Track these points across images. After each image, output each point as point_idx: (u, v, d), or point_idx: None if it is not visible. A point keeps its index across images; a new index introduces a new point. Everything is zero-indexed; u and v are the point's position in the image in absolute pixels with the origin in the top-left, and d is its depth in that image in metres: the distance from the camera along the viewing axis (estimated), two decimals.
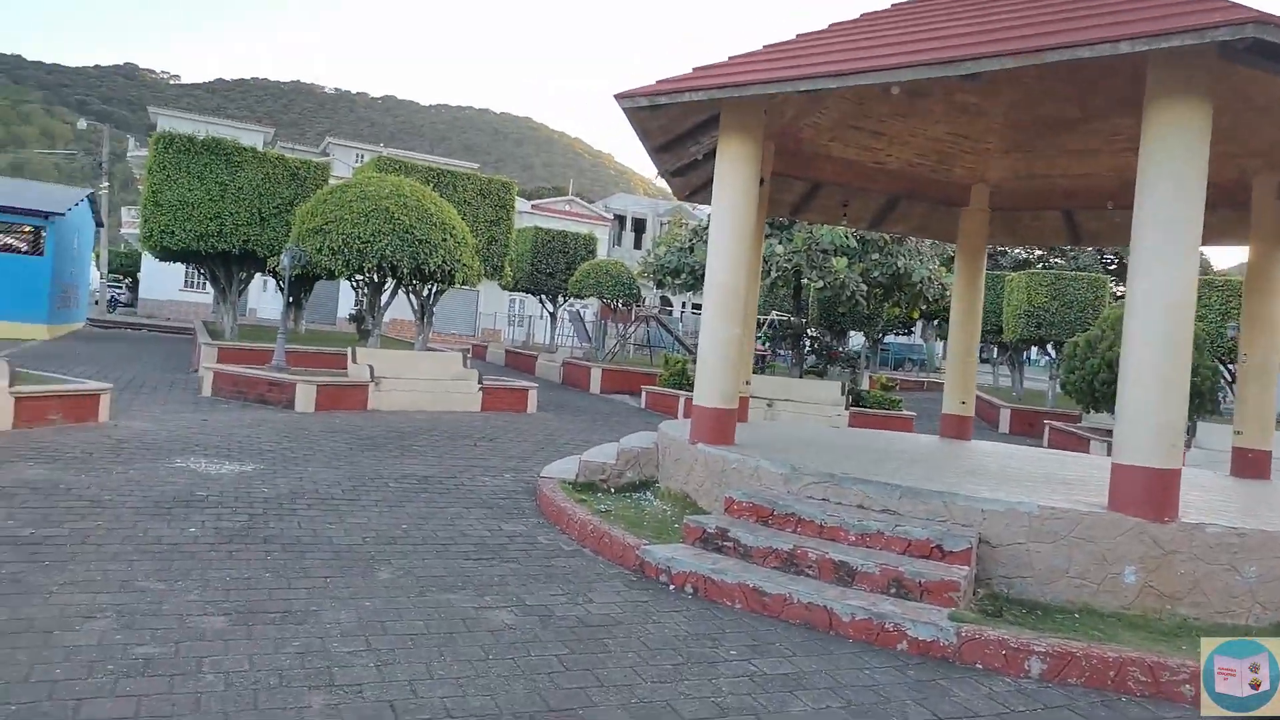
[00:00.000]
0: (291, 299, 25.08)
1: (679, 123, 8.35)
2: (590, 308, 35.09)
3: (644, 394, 19.62)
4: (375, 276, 16.76)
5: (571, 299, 30.38)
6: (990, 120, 10.38)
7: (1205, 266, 44.83)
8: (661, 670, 4.45)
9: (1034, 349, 30.06)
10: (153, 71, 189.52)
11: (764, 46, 7.99)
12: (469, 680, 4.09)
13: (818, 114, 9.99)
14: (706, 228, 21.71)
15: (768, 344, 26.57)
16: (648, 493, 8.30)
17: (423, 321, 18.86)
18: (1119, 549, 5.72)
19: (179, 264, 27.53)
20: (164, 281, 39.47)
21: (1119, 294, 31.30)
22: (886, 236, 20.61)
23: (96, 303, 37.07)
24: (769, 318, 24.98)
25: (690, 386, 18.22)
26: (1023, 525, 5.92)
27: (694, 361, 19.30)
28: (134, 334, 28.25)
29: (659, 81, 7.45)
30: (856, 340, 36.16)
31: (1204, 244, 6.83)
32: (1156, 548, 5.69)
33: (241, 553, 5.77)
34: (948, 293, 20.93)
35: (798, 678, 4.52)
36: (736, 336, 7.91)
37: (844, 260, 19.65)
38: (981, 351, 21.56)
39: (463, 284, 17.33)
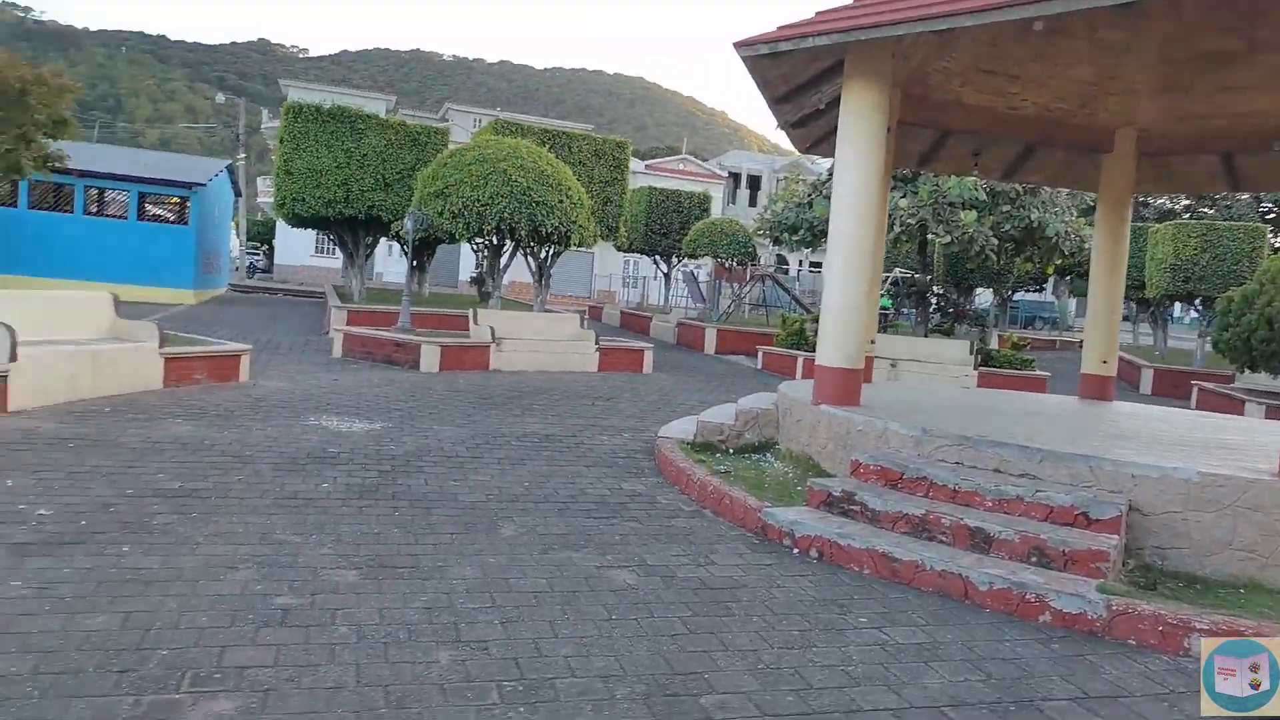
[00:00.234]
0: (415, 262, 25.83)
1: (800, 70, 8.00)
2: (704, 268, 34.80)
3: (760, 355, 19.34)
4: (494, 239, 17.00)
5: (686, 259, 30.16)
6: (1140, 57, 9.54)
7: None
8: (788, 636, 4.32)
9: (1178, 305, 28.11)
10: (283, 46, 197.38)
11: None
12: (592, 640, 4.07)
13: (948, 58, 9.41)
14: (826, 182, 21.08)
15: (891, 302, 25.76)
16: (767, 454, 8.13)
17: (540, 283, 19.06)
18: None
19: (310, 230, 28.75)
20: (297, 248, 41.35)
21: None
22: (1019, 188, 19.51)
23: (237, 269, 39.14)
24: (892, 275, 24.16)
25: (809, 347, 17.93)
26: (1179, 492, 5.47)
27: (812, 321, 18.89)
28: (270, 298, 29.69)
29: (780, 28, 7.13)
30: (984, 298, 34.70)
31: None
32: None
33: (371, 508, 5.93)
34: (1086, 246, 19.71)
35: (932, 648, 4.31)
36: (862, 293, 7.60)
37: (973, 214, 18.70)
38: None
39: (579, 245, 17.40)
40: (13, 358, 7.94)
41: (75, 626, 3.73)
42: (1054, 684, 4.00)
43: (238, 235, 41.14)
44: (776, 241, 22.79)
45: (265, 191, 49.90)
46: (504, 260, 18.23)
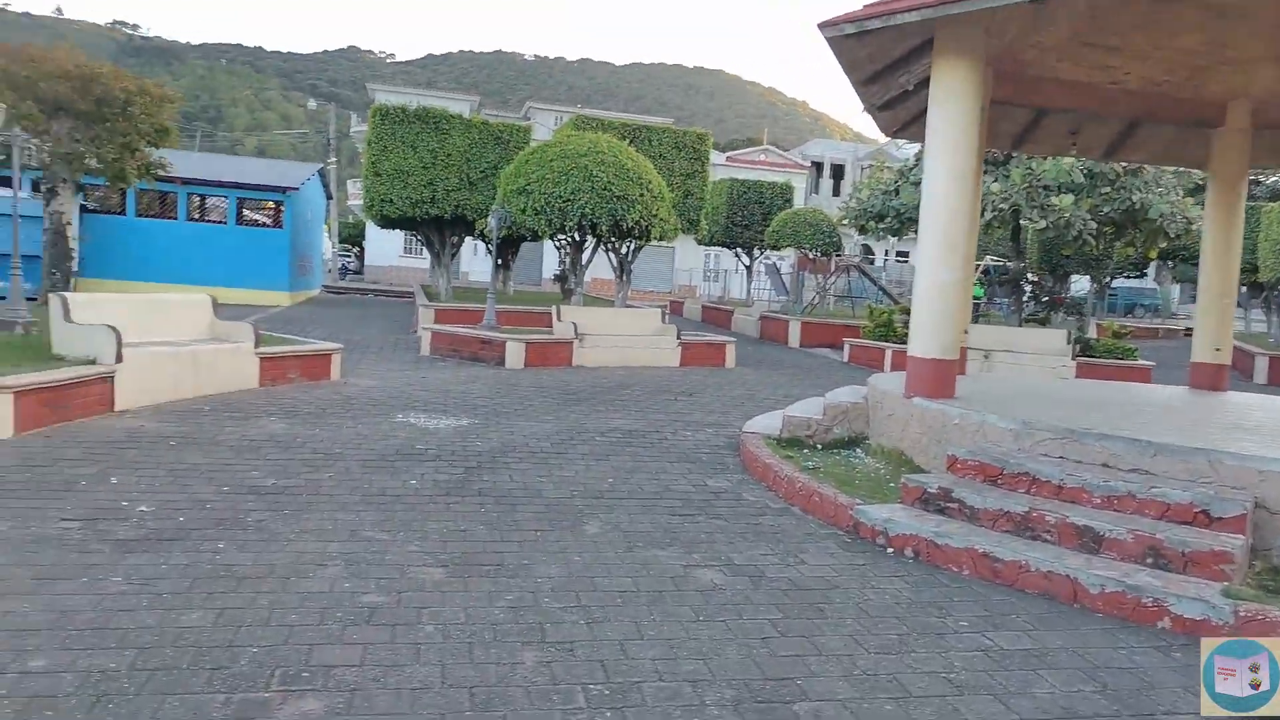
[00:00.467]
0: (500, 261, 26.15)
1: (888, 50, 7.71)
2: (787, 259, 34.30)
3: (846, 347, 18.90)
4: (576, 235, 17.03)
5: (768, 251, 29.77)
6: (1255, 23, 8.90)
7: None
8: (885, 640, 4.13)
9: None
10: (372, 52, 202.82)
11: None
12: (680, 642, 3.95)
13: (1044, 31, 8.95)
14: (913, 168, 20.49)
15: (983, 291, 24.92)
16: (857, 449, 7.88)
17: (622, 279, 19.03)
18: None
19: (398, 231, 29.41)
20: (386, 249, 42.35)
21: None
22: (1119, 167, 18.59)
23: (329, 271, 40.32)
24: (982, 263, 23.36)
25: (898, 339, 17.45)
26: None
27: (901, 312, 18.39)
28: (361, 299, 30.47)
29: (866, 5, 6.88)
30: (1080, 285, 33.32)
31: None
32: None
33: (458, 505, 5.94)
34: (1194, 227, 18.67)
35: (1041, 655, 4.06)
36: (956, 281, 7.29)
37: (1069, 197, 17.89)
38: None
39: (659, 239, 17.29)
40: (118, 359, 8.26)
41: (171, 623, 3.80)
42: (1177, 696, 3.72)
43: (330, 238, 42.37)
44: (862, 230, 22.27)
45: (356, 194, 51.25)
46: (586, 256, 18.26)
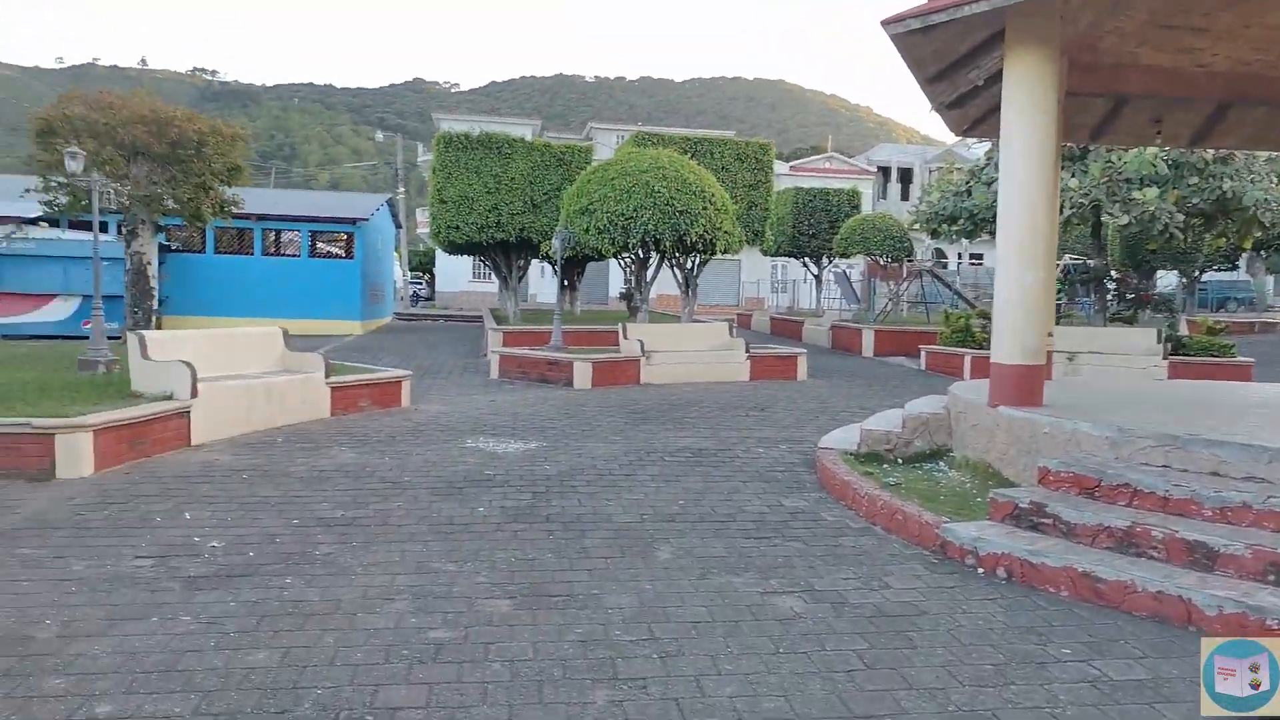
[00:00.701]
0: (565, 281, 26.23)
1: (955, 44, 7.40)
2: (856, 267, 33.67)
3: (923, 354, 18.36)
4: (640, 252, 16.93)
5: (837, 259, 29.25)
6: None
7: None
8: (980, 671, 3.83)
9: None
10: (436, 83, 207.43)
11: None
12: (759, 677, 3.73)
13: (1121, 16, 8.51)
14: (984, 167, 19.90)
15: (1062, 290, 24.02)
16: (940, 463, 7.52)
17: (687, 294, 18.86)
18: None
19: (466, 257, 29.79)
20: (455, 275, 43.04)
21: None
22: (1206, 155, 17.71)
23: (401, 298, 41.09)
24: (1062, 262, 22.51)
25: (976, 344, 16.86)
26: None
27: (978, 316, 17.78)
28: (432, 325, 30.91)
29: None
30: (1167, 280, 31.93)
31: None
32: None
33: (526, 532, 5.81)
34: None
35: (1156, 686, 3.71)
36: (1039, 281, 6.92)
37: (1153, 190, 17.09)
38: None
39: (724, 252, 17.07)
40: (193, 394, 8.40)
41: (237, 663, 3.73)
42: None
43: (400, 266, 43.21)
44: (934, 234, 21.71)
45: (424, 222, 52.26)
46: (650, 273, 18.14)
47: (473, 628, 4.19)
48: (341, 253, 25.97)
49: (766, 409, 11.58)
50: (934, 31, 6.75)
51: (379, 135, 61.94)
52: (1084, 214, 18.01)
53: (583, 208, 16.19)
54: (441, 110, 63.09)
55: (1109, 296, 21.60)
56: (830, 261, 30.66)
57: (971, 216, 19.58)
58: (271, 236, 25.41)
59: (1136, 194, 17.14)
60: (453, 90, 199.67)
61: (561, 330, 15.91)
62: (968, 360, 16.19)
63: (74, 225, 18.92)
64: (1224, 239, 21.47)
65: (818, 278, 31.53)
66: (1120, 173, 17.17)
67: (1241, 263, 39.50)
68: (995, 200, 18.28)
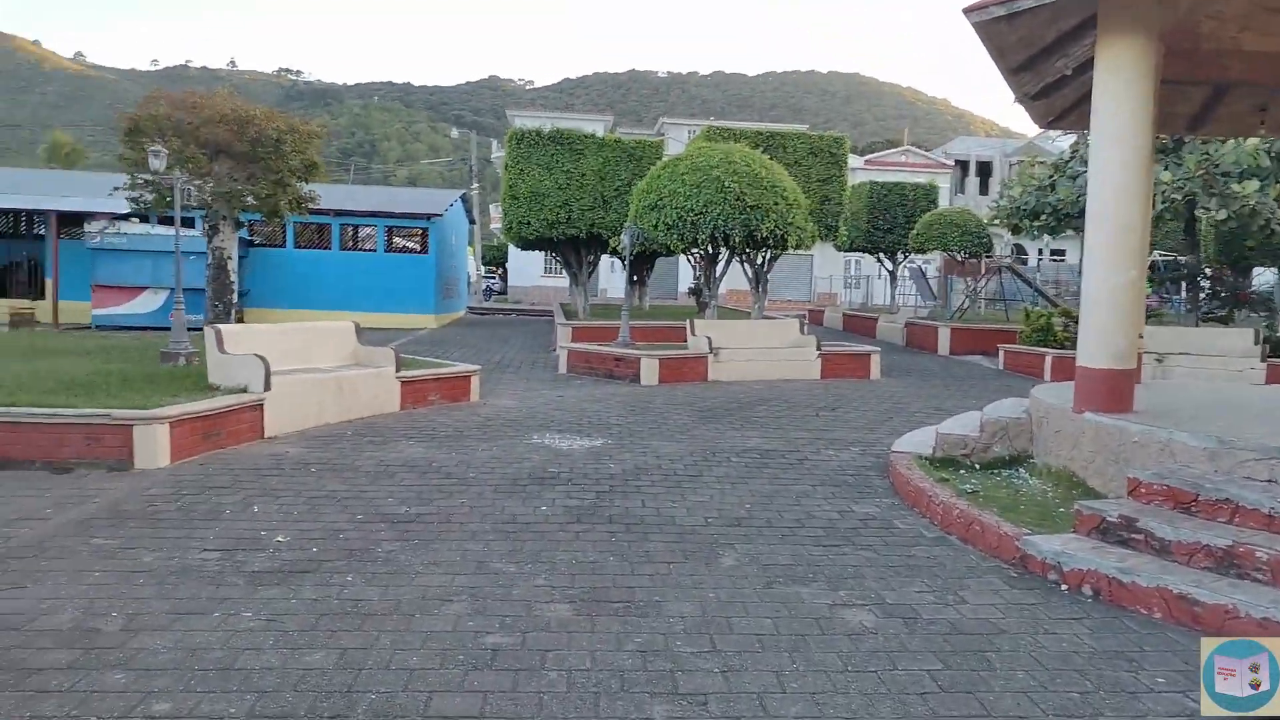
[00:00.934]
0: (634, 277, 26.14)
1: (1042, 31, 7.03)
2: (932, 263, 32.83)
3: (1001, 354, 17.75)
4: (709, 248, 16.72)
5: (912, 255, 28.55)
6: None
7: None
8: (1065, 700, 3.58)
9: None
10: (511, 80, 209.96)
11: None
12: (826, 697, 3.55)
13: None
14: (1069, 161, 19.14)
15: (1151, 288, 22.99)
16: (1020, 470, 7.18)
17: (758, 290, 18.58)
18: None
19: (537, 252, 29.95)
20: (527, 270, 43.37)
21: None
22: None
23: (475, 293, 41.60)
24: (1151, 258, 21.53)
25: (1057, 344, 16.23)
26: None
27: (1060, 315, 17.11)
28: (504, 319, 31.19)
29: None
30: (1265, 278, 30.32)
31: None
32: None
33: (588, 533, 5.71)
34: None
35: None
36: (1131, 281, 6.54)
37: (1254, 183, 16.17)
38: None
39: (796, 247, 16.74)
40: (267, 387, 8.54)
41: (294, 664, 3.71)
42: None
43: (474, 261, 43.72)
44: (1015, 230, 20.96)
45: (497, 218, 52.76)
46: (719, 269, 17.92)
47: (530, 633, 4.10)
48: (417, 247, 26.35)
49: (837, 409, 11.30)
50: (1019, 18, 6.42)
51: (454, 132, 62.83)
52: (1177, 209, 17.16)
53: (651, 204, 16.06)
54: (515, 107, 63.68)
55: (1202, 295, 20.58)
56: (905, 257, 29.95)
57: (1055, 212, 18.81)
58: (349, 231, 25.93)
59: (1235, 187, 16.24)
60: (527, 87, 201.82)
61: (629, 326, 15.82)
62: (1049, 360, 15.59)
63: (163, 221, 19.59)
64: None
65: (892, 274, 30.84)
66: (1217, 165, 16.29)
67: None
68: (1081, 195, 17.58)
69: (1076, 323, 16.17)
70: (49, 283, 21.82)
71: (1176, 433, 5.75)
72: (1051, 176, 19.53)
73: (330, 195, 23.32)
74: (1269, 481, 5.18)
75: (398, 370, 10.41)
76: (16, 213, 24.77)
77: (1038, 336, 16.95)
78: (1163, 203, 16.50)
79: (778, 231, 15.77)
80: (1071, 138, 20.64)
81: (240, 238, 22.25)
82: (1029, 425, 7.57)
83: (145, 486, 6.56)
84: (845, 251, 31.89)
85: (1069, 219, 18.57)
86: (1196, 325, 18.52)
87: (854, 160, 38.38)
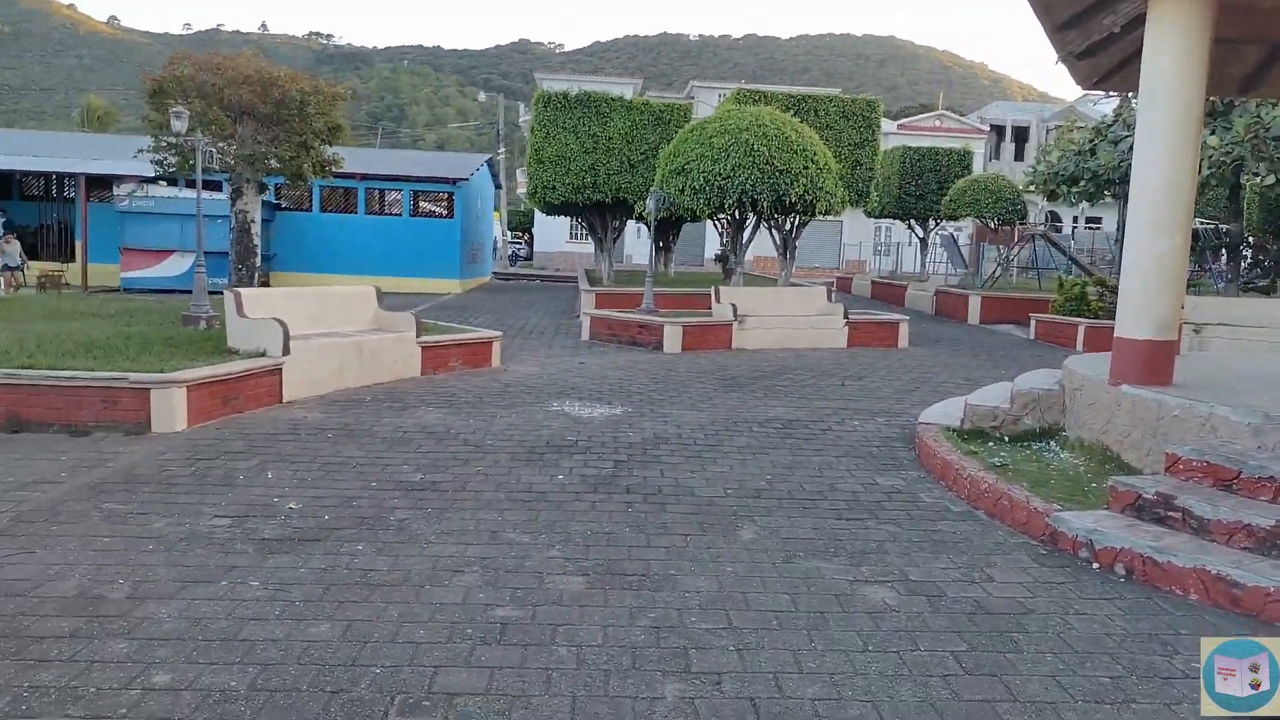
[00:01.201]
0: (659, 243, 25.86)
1: None
2: (964, 230, 32.19)
3: (1033, 323, 17.36)
4: (736, 213, 16.43)
5: (944, 221, 27.98)
6: None
7: None
8: (1096, 684, 3.42)
9: None
10: (541, 44, 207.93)
11: None
12: (844, 678, 3.41)
13: None
14: (1111, 124, 18.56)
15: (1191, 257, 22.38)
16: (1050, 443, 6.96)
17: (785, 256, 18.28)
18: None
19: (564, 218, 29.71)
20: (553, 235, 43.14)
21: None
22: None
23: (500, 258, 41.48)
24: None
25: (1091, 313, 15.83)
26: None
27: (1095, 284, 16.68)
28: (529, 285, 31.08)
29: None
30: None
31: None
32: None
33: (604, 504, 5.60)
34: None
35: None
36: (1176, 248, 6.26)
37: None
38: None
39: (825, 213, 16.40)
40: (285, 351, 8.48)
41: (298, 635, 3.63)
42: None
43: (500, 226, 43.53)
44: (1051, 196, 20.42)
45: (524, 183, 52.39)
46: (746, 235, 17.62)
47: (541, 606, 4.00)
48: (442, 212, 26.22)
49: (864, 378, 11.08)
50: None
51: (481, 96, 62.40)
52: (1224, 174, 16.59)
53: (678, 167, 15.77)
54: (544, 70, 63.08)
55: (1244, 264, 19.99)
56: (937, 224, 29.38)
57: (1095, 177, 18.25)
58: (375, 195, 25.81)
59: None
60: (557, 51, 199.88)
61: (653, 293, 15.62)
62: (1081, 330, 15.22)
63: (190, 184, 19.59)
64: None
65: (923, 241, 30.29)
66: (1268, 129, 15.70)
67: None
68: (1122, 160, 17.06)
69: (1112, 292, 15.89)
70: (79, 245, 21.95)
71: (1219, 407, 5.51)
72: (1092, 141, 18.95)
73: (355, 159, 23.19)
74: None
75: (418, 335, 10.32)
76: (47, 176, 24.89)
77: (1071, 306, 16.54)
78: (1209, 168, 15.96)
79: (807, 196, 15.44)
80: (1114, 101, 20.01)
81: (267, 202, 22.27)
82: (1061, 397, 7.33)
83: (161, 451, 6.52)
84: (875, 218, 31.33)
85: (1109, 185, 18.05)
86: (1237, 295, 18.00)
87: (887, 125, 37.61)
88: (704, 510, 5.52)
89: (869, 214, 28.32)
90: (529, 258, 46.92)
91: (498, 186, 38.17)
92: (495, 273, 34.73)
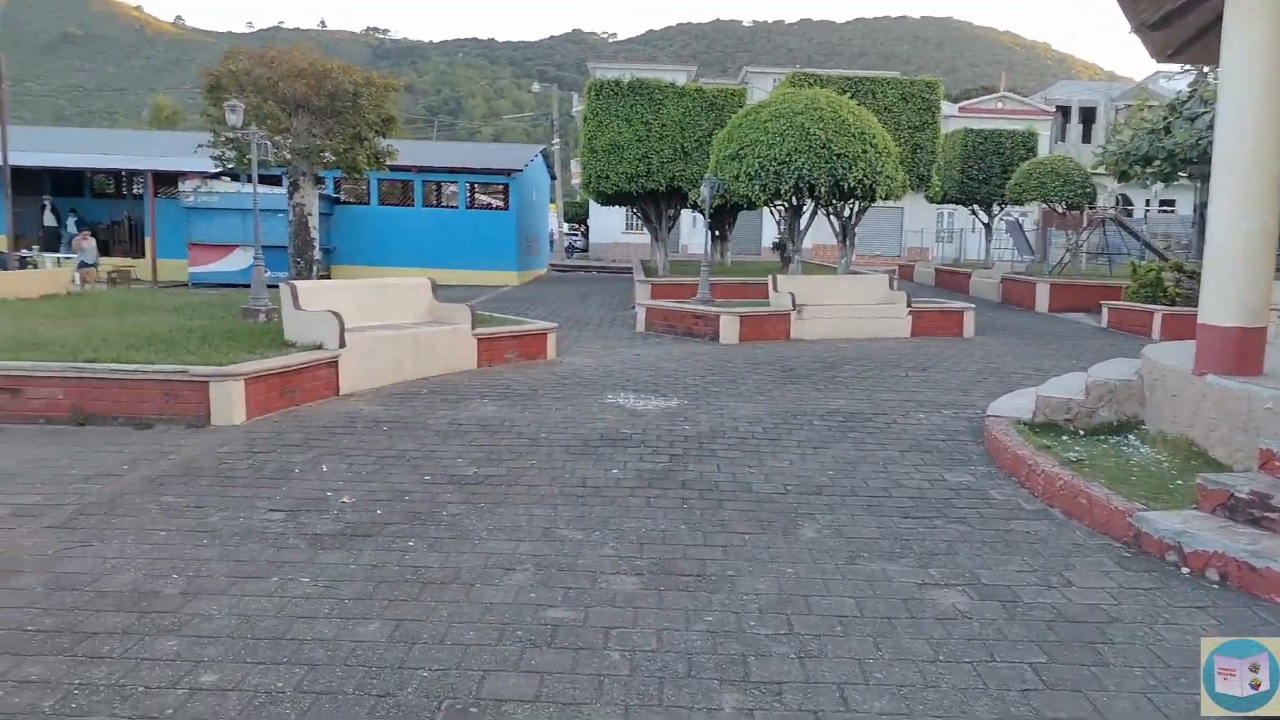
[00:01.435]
0: (715, 231, 25.62)
1: None
2: (1030, 214, 31.25)
3: (1105, 311, 16.73)
4: (793, 199, 16.11)
5: (1009, 206, 27.19)
6: None
7: None
8: (1190, 703, 3.16)
9: None
10: (595, 34, 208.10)
11: None
12: (914, 691, 3.21)
13: None
14: (1186, 101, 17.74)
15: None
16: (1129, 436, 6.61)
17: (844, 243, 17.92)
18: None
19: (619, 208, 29.60)
20: (609, 226, 43.09)
21: None
22: None
23: (557, 250, 41.56)
24: None
25: (1168, 300, 15.19)
26: None
27: (1172, 269, 16.01)
28: (585, 276, 31.04)
29: None
30: None
31: None
32: None
33: (659, 499, 5.45)
34: None
35: None
36: (1265, 227, 5.85)
37: None
38: None
39: (885, 198, 15.99)
40: (341, 344, 8.49)
41: (346, 635, 3.55)
42: None
43: (557, 218, 43.59)
44: (1123, 177, 19.62)
45: (579, 174, 52.40)
46: (804, 221, 17.29)
47: (594, 608, 3.87)
48: (499, 204, 26.29)
49: (928, 369, 10.74)
50: None
51: (535, 86, 62.45)
52: None
53: (733, 153, 15.51)
54: (598, 60, 62.97)
55: None
56: (1001, 209, 28.57)
57: (1170, 156, 17.46)
58: (432, 188, 26.01)
59: None
60: (610, 40, 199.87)
61: (709, 282, 15.43)
62: (1158, 318, 14.60)
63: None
64: None
65: (987, 226, 29.50)
66: None
67: None
68: (1200, 138, 16.30)
69: (1189, 277, 15.21)
70: (148, 241, 22.52)
71: None
72: (1166, 119, 18.14)
73: (411, 152, 23.34)
74: None
75: (474, 327, 10.28)
76: (117, 173, 25.60)
77: (1146, 292, 15.88)
78: None
79: (866, 181, 15.07)
80: (1187, 78, 19.15)
81: (327, 196, 22.56)
82: (1140, 388, 6.96)
83: (219, 444, 6.56)
84: (937, 203, 30.59)
85: (1186, 164, 17.26)
86: None
87: (947, 108, 36.73)
88: (763, 507, 5.33)
89: (930, 199, 27.64)
90: (585, 249, 46.93)
91: (553, 177, 38.19)
92: (552, 264, 34.79)
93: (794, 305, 13.48)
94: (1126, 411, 6.95)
